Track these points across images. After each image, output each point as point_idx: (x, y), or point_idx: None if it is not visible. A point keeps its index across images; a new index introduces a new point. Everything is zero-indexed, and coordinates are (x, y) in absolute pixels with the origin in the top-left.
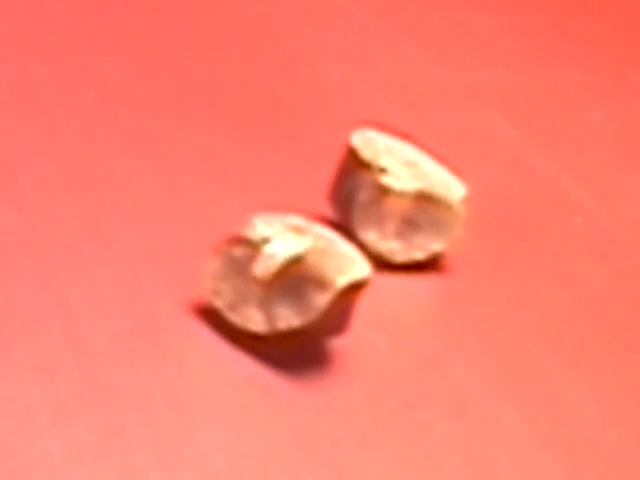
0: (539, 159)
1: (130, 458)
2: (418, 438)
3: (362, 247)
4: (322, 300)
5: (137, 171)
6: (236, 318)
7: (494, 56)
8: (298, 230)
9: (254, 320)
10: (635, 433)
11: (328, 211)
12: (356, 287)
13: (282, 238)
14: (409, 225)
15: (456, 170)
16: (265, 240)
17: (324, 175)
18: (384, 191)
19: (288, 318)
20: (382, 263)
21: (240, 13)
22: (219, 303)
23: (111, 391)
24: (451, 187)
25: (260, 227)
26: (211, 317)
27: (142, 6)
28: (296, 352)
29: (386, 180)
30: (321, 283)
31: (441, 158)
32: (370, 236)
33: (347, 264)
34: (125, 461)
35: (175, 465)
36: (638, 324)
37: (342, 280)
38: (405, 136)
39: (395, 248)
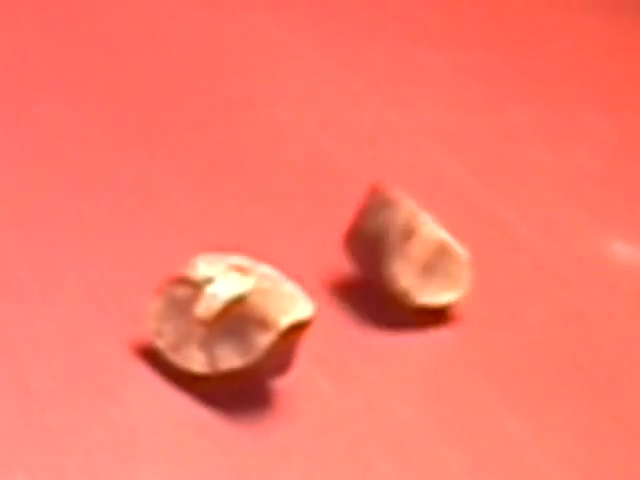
0: (487, 199)
1: None
2: (361, 478)
3: (382, 285)
4: (264, 340)
5: (81, 209)
6: (177, 359)
7: (445, 95)
8: (241, 270)
9: (196, 360)
10: (578, 472)
11: (266, 247)
12: (299, 327)
13: (225, 278)
14: (428, 269)
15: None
16: (208, 280)
17: (265, 213)
18: (412, 232)
19: (230, 358)
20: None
21: (188, 51)
22: (161, 344)
23: (51, 432)
24: (457, 247)
25: (202, 267)
26: (153, 358)
27: (100, 43)
28: (238, 393)
29: (418, 219)
30: (263, 323)
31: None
32: (395, 270)
33: (290, 304)
34: None
35: None
36: (585, 365)
37: (285, 320)
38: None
39: (414, 287)
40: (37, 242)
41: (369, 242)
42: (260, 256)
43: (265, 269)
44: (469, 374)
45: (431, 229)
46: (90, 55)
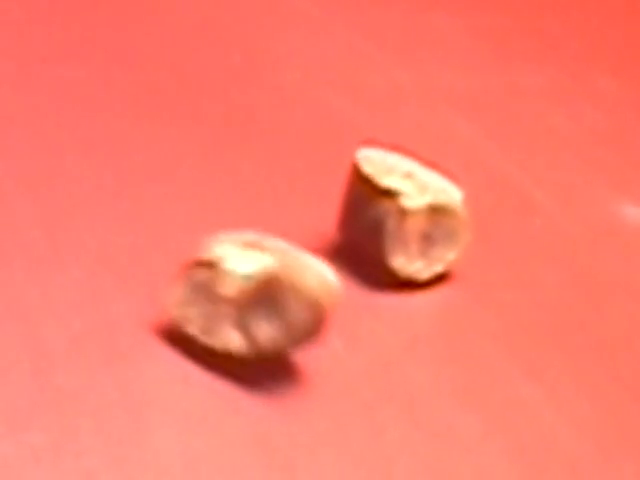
0: (500, 161)
1: (85, 461)
2: (374, 442)
3: (390, 272)
4: (305, 315)
5: (93, 174)
6: (214, 341)
7: (456, 58)
8: (254, 245)
9: (233, 341)
10: (594, 437)
11: (277, 214)
12: (332, 297)
13: (240, 255)
14: (427, 241)
15: (449, 174)
16: (224, 259)
17: (276, 178)
18: (404, 214)
19: (271, 336)
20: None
21: (198, 15)
22: (192, 329)
23: (66, 394)
24: (449, 192)
25: (215, 247)
26: (167, 326)
27: (109, 10)
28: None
29: (405, 202)
30: (299, 296)
31: (431, 164)
32: (399, 261)
33: (318, 275)
34: (80, 464)
35: (130, 468)
36: (597, 328)
37: (321, 293)
38: (393, 147)
39: (420, 267)
40: (52, 207)
41: (368, 236)
42: (271, 224)
43: (278, 242)
44: (481, 336)
45: (418, 199)
46: (101, 20)
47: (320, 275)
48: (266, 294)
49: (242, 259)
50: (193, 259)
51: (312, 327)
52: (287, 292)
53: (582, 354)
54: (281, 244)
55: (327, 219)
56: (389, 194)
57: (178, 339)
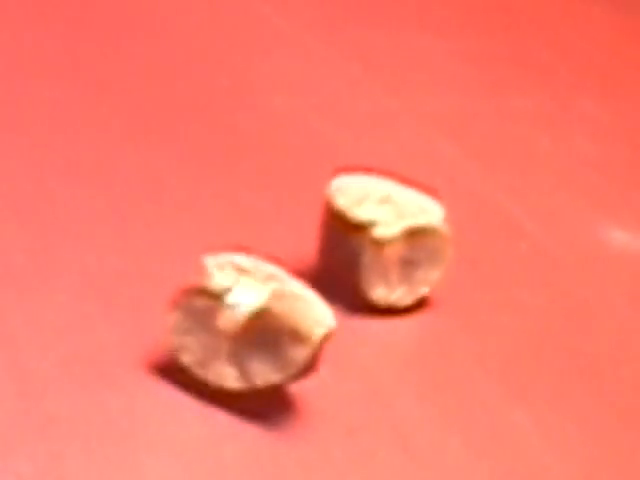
0: (486, 184)
1: None
2: (363, 467)
3: (371, 304)
4: (301, 354)
5: (80, 197)
6: (207, 375)
7: (443, 81)
8: (249, 272)
9: (227, 376)
10: (580, 462)
11: (264, 236)
12: (328, 335)
13: (242, 285)
14: (408, 266)
15: (428, 190)
16: (226, 290)
17: (263, 200)
18: (381, 244)
19: (266, 374)
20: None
21: (186, 36)
22: (186, 359)
23: (52, 420)
24: (429, 212)
25: (218, 275)
26: (154, 350)
27: (98, 31)
28: None
29: (379, 232)
30: (297, 335)
31: (410, 182)
32: (379, 293)
33: (315, 311)
34: None
35: None
36: (582, 352)
37: (319, 331)
38: (368, 170)
39: (402, 294)
40: (38, 230)
41: (345, 268)
42: (256, 246)
43: (270, 268)
44: (466, 360)
45: (394, 226)
46: (89, 41)
47: (313, 308)
48: (263, 330)
49: (243, 291)
50: (194, 285)
51: (307, 363)
52: (282, 329)
53: (567, 378)
54: (275, 270)
55: (310, 243)
56: (361, 228)
57: (169, 368)
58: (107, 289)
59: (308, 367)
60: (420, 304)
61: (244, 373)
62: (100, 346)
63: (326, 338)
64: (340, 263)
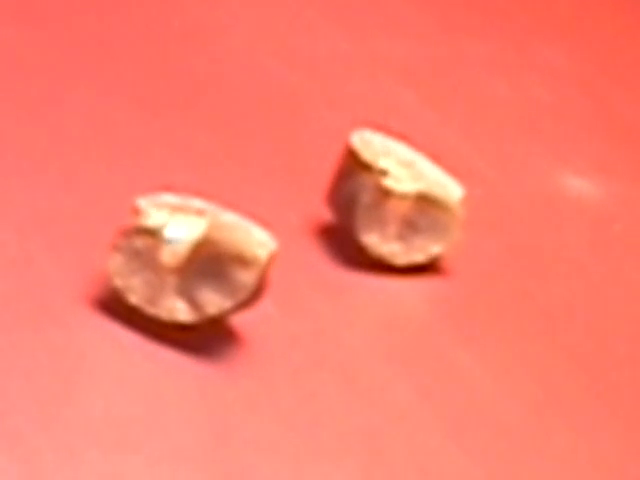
0: (441, 129)
1: (11, 421)
2: (305, 405)
3: (363, 249)
4: (250, 277)
5: (29, 135)
6: (158, 311)
7: (399, 26)
8: (182, 209)
9: (178, 310)
10: (528, 404)
11: (219, 182)
12: (272, 258)
13: (178, 220)
14: (409, 227)
15: (453, 172)
16: (162, 226)
17: (218, 146)
18: (386, 193)
19: (217, 301)
20: (383, 266)
21: None
22: (134, 299)
23: None
24: (448, 188)
25: (153, 214)
26: (97, 286)
27: None
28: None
29: (387, 182)
30: (242, 260)
31: (438, 160)
32: (372, 239)
33: (255, 236)
34: (6, 424)
35: (58, 429)
36: (532, 295)
37: (263, 253)
38: (402, 137)
39: (396, 251)
40: None
41: (345, 209)
42: (214, 191)
43: (202, 203)
44: (416, 304)
45: (407, 184)
46: None
47: (252, 233)
48: (206, 259)
49: (180, 226)
50: (132, 226)
51: (256, 286)
52: (226, 256)
53: (520, 322)
54: (206, 205)
55: (260, 183)
56: (370, 169)
57: (113, 305)
58: (53, 226)
59: (258, 290)
60: (417, 269)
61: (195, 305)
62: (44, 283)
63: (271, 259)
64: (341, 201)
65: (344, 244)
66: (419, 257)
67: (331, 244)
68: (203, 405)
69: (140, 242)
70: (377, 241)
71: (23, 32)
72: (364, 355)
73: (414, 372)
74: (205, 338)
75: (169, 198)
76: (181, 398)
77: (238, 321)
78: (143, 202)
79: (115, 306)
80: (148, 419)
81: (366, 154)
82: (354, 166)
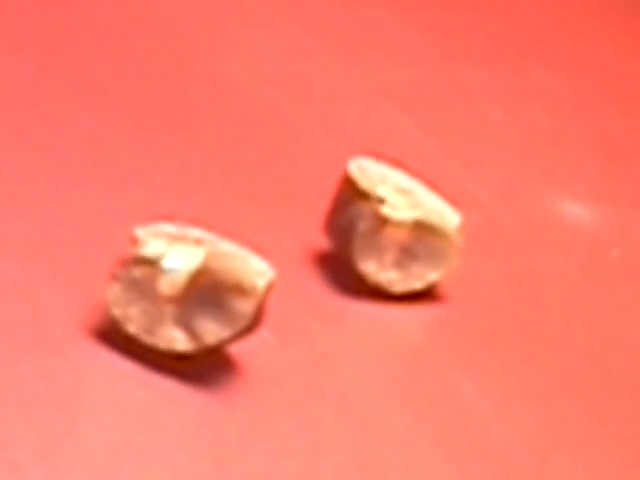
0: (438, 156)
1: (9, 452)
2: (304, 434)
3: (361, 278)
4: (247, 306)
5: (26, 163)
6: (156, 341)
7: (397, 53)
8: (181, 239)
9: (176, 339)
10: (527, 430)
11: (212, 208)
12: (270, 288)
13: (176, 250)
14: (407, 255)
15: (450, 199)
16: (161, 256)
17: (212, 173)
18: (383, 221)
19: (215, 331)
20: (380, 293)
21: (141, 2)
22: (132, 329)
23: None
24: (446, 216)
25: (151, 243)
26: (97, 316)
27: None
28: None
29: (385, 210)
30: (240, 289)
31: (435, 187)
32: (370, 266)
33: (254, 265)
34: (4, 455)
35: (56, 459)
36: (532, 322)
37: (262, 283)
38: (399, 164)
39: (394, 278)
40: None
41: (342, 237)
42: (198, 216)
43: (200, 233)
44: (414, 332)
45: (404, 212)
46: (40, 7)
47: (250, 263)
48: (204, 289)
49: (178, 254)
50: (130, 255)
51: (254, 316)
52: (224, 285)
53: (518, 348)
54: (203, 234)
55: (257, 210)
56: (367, 197)
57: (111, 335)
58: (51, 255)
59: (256, 319)
60: (415, 296)
61: (193, 334)
62: (41, 312)
63: (269, 288)
64: (339, 229)
65: (342, 272)
66: (417, 284)
67: (329, 272)
68: (201, 434)
69: (138, 271)
70: (375, 269)
71: (20, 58)
72: (362, 382)
73: (413, 399)
74: (203, 367)
75: (167, 227)
76: (179, 427)
77: (236, 350)
78: (141, 231)
79: (113, 335)
80: (146, 448)
81: (363, 182)
82: (351, 194)
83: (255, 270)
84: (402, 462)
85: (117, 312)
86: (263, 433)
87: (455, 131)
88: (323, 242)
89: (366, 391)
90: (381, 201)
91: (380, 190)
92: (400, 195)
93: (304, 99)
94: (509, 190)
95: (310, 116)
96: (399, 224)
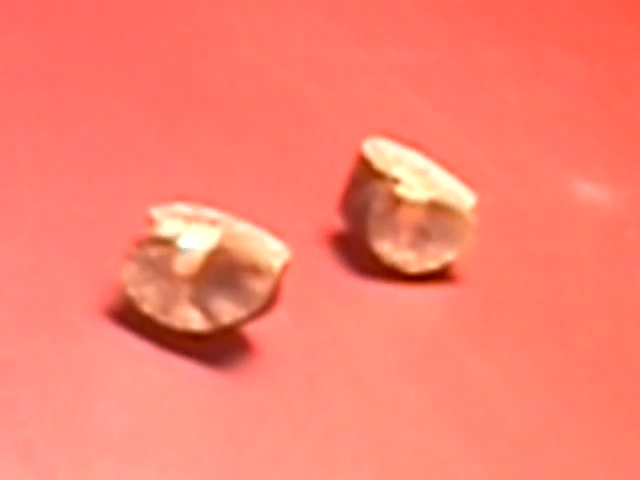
0: (453, 136)
1: (24, 432)
2: (319, 414)
3: (376, 258)
4: (263, 286)
5: (41, 144)
6: (172, 320)
7: (411, 34)
8: (196, 219)
9: (192, 319)
10: (542, 412)
11: (229, 191)
12: (285, 268)
13: (192, 230)
14: (422, 235)
15: (465, 180)
16: (177, 236)
17: (229, 154)
18: (398, 201)
19: (231, 311)
20: (396, 273)
21: None
22: (148, 308)
23: (8, 365)
24: (461, 196)
25: (167, 224)
26: (111, 296)
27: None
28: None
29: (400, 190)
30: (256, 269)
31: (450, 167)
32: (385, 247)
33: (270, 245)
34: (19, 435)
35: (71, 440)
36: (547, 303)
37: (277, 263)
38: (414, 145)
39: (409, 258)
40: None
41: (358, 217)
42: (227, 201)
43: (215, 213)
44: (428, 312)
45: (419, 192)
46: None
47: (266, 243)
48: (221, 269)
49: (194, 235)
50: (145, 235)
51: (270, 296)
52: (240, 265)
53: (533, 329)
54: (219, 215)
55: (270, 192)
56: (383, 177)
57: (127, 315)
58: (66, 236)
59: (271, 299)
60: (430, 276)
61: (209, 314)
62: (57, 292)
63: (284, 269)
64: (354, 210)
65: (357, 252)
66: (432, 265)
67: (344, 253)
68: (217, 414)
69: (154, 251)
70: (390, 249)
71: (35, 41)
72: (378, 363)
73: (428, 380)
74: (219, 347)
75: (183, 208)
76: (194, 407)
77: (252, 330)
78: (157, 212)
79: (129, 315)
80: (162, 428)
81: (378, 162)
82: (366, 174)
83: (271, 250)
84: (416, 442)
85: (133, 292)
86: (278, 413)
87: (470, 112)
88: (338, 222)
89: (381, 371)
90: (396, 181)
91: (395, 170)
92: (415, 175)
93: (318, 80)
94: (524, 170)
95: (324, 97)
96: (414, 204)
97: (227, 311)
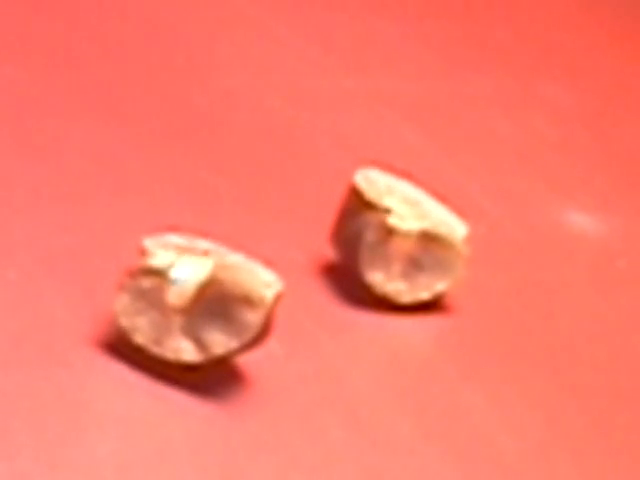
0: (444, 166)
1: (17, 464)
2: (311, 445)
3: (368, 288)
4: (256, 317)
5: (32, 174)
6: (163, 352)
7: (402, 64)
8: (189, 250)
9: (184, 350)
10: (534, 442)
11: (219, 220)
12: (278, 299)
13: (184, 261)
14: (414, 265)
15: (457, 210)
16: (169, 266)
17: (220, 183)
18: (390, 232)
19: (223, 342)
20: (388, 304)
21: (144, 15)
22: (140, 339)
23: (1, 395)
24: (453, 226)
25: (159, 254)
26: (102, 326)
27: (50, 8)
28: None
29: (392, 220)
30: (248, 300)
31: (442, 197)
32: (377, 277)
33: (262, 276)
34: (11, 467)
35: (63, 471)
36: (540, 334)
37: (270, 294)
38: (406, 175)
39: (401, 289)
40: None
41: (349, 247)
42: (205, 226)
43: (208, 244)
44: (421, 342)
45: (411, 222)
46: (40, 19)
47: (258, 274)
48: (212, 300)
49: (186, 266)
50: (137, 266)
51: (262, 327)
52: (232, 296)
53: (525, 359)
54: (211, 245)
55: (264, 222)
56: (374, 207)
57: (119, 346)
58: (58, 266)
59: (264, 330)
60: (423, 307)
61: (201, 345)
62: (49, 322)
63: (277, 299)
64: (346, 240)
65: (349, 283)
66: (424, 295)
67: (336, 283)
68: (209, 445)
69: (146, 282)
70: (382, 279)
71: (27, 71)
72: (370, 393)
73: (420, 410)
74: (211, 378)
75: (175, 239)
76: (186, 438)
77: (244, 361)
78: (149, 242)
79: (121, 346)
80: (154, 459)
81: (370, 193)
82: (358, 205)
83: (263, 281)
84: (409, 473)
85: (125, 322)
86: (271, 444)
87: (461, 142)
88: (330, 253)
89: (374, 402)
90: (388, 212)
91: (387, 201)
92: (407, 206)
93: (309, 110)
94: (515, 200)
95: (316, 127)
96: (406, 235)
97: (219, 342)
